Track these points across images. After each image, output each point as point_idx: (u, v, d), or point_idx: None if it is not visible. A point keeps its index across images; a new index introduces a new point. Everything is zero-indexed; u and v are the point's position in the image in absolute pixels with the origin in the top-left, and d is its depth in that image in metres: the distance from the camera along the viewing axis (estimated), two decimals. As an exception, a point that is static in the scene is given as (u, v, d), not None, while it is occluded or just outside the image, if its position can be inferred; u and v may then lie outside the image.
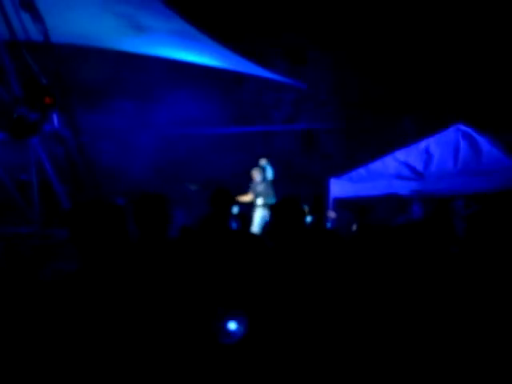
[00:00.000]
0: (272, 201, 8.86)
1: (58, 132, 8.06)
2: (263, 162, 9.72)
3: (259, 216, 9.17)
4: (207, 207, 4.04)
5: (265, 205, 8.97)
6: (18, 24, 7.30)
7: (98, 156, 10.35)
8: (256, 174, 9.43)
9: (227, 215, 4.11)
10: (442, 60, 9.63)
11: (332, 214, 8.27)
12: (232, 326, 2.96)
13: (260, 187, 9.38)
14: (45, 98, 7.45)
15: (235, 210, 4.40)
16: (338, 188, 8.52)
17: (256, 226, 9.04)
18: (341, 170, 9.06)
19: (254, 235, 4.89)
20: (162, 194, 3.45)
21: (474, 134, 7.93)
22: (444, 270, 3.16)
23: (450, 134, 8.17)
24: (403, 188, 7.98)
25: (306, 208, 8.38)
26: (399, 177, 8.06)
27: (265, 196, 9.23)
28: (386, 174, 8.23)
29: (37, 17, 7.47)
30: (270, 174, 9.61)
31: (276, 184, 9.61)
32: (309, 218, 7.12)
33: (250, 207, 9.36)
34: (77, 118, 8.34)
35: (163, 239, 3.35)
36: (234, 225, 4.45)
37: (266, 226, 8.58)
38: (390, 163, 8.34)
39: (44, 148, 7.73)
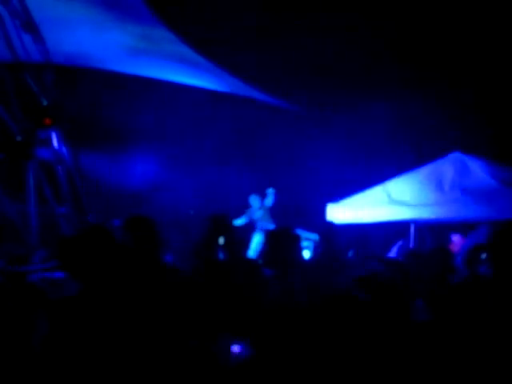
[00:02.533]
0: (270, 227, 8.91)
1: (58, 153, 8.06)
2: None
3: (257, 241, 9.23)
4: (203, 233, 4.02)
5: (263, 230, 9.03)
6: (19, 45, 7.35)
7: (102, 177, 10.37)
8: (253, 201, 9.65)
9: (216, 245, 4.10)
10: (441, 86, 9.67)
11: None
12: (235, 348, 2.93)
13: (258, 213, 9.52)
14: (45, 120, 7.47)
15: (221, 240, 4.42)
16: (336, 213, 8.47)
17: (253, 251, 9.08)
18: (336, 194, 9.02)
19: (250, 262, 4.88)
20: (146, 216, 3.46)
21: (471, 163, 7.95)
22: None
23: (447, 162, 8.19)
24: (402, 215, 7.94)
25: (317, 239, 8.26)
26: (398, 204, 8.02)
27: (263, 222, 9.35)
28: (384, 201, 8.20)
29: (38, 38, 7.54)
30: (269, 200, 9.73)
31: (275, 210, 9.68)
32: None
33: (246, 232, 9.40)
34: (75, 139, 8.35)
35: (156, 261, 3.35)
36: (220, 255, 4.45)
37: (262, 252, 8.55)
38: (388, 190, 8.32)
39: (43, 169, 7.72)
